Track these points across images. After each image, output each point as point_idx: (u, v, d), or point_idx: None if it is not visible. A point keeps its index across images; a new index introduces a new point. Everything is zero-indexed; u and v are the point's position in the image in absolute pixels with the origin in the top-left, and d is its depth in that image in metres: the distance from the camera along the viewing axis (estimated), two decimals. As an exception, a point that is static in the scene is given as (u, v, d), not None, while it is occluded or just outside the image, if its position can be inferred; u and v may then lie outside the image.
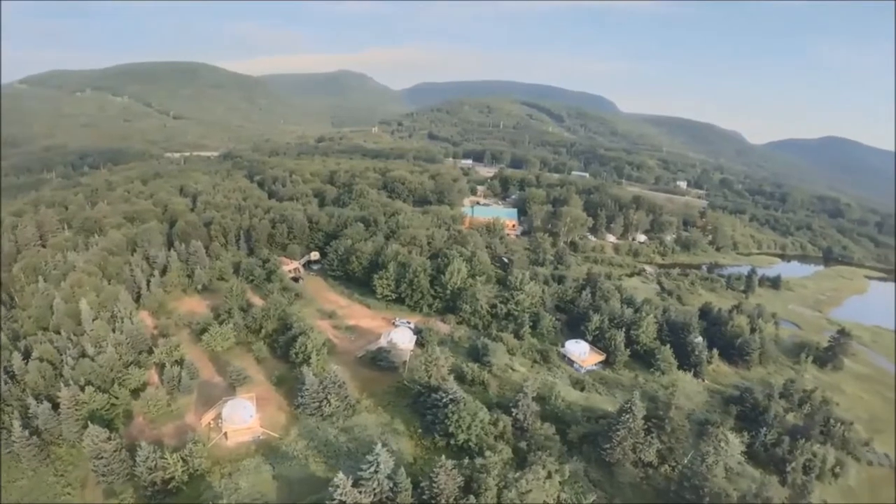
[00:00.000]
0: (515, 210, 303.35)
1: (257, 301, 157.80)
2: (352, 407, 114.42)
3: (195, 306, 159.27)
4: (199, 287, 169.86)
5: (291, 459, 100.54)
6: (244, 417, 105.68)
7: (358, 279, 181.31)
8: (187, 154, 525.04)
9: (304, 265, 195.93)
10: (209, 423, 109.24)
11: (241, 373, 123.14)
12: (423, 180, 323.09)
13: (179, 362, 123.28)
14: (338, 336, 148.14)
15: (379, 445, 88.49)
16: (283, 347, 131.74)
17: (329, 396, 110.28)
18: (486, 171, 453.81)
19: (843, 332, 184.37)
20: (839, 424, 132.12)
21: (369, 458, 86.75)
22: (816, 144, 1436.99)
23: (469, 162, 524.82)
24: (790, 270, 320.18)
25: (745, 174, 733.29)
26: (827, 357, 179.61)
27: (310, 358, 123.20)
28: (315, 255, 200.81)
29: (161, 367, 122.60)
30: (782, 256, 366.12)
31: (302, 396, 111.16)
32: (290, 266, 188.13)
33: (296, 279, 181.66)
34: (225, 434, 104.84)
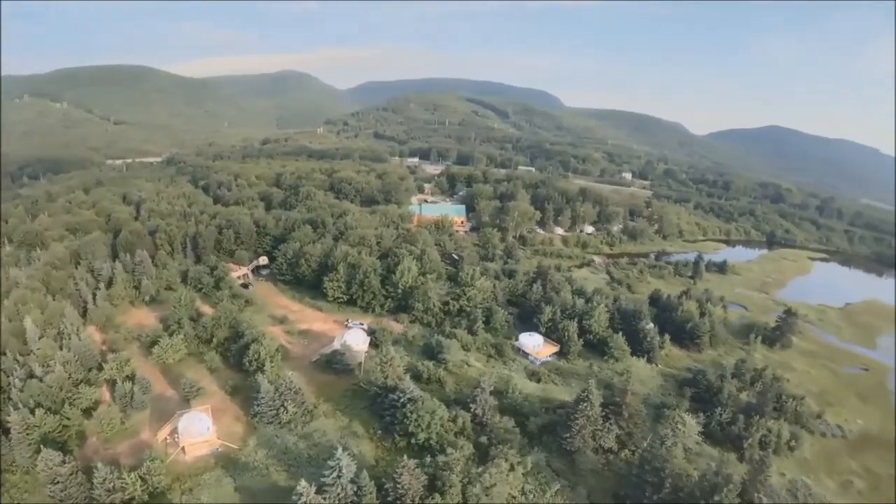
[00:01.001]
0: (463, 206, 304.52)
1: (207, 310, 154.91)
2: (309, 412, 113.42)
3: (144, 318, 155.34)
4: (147, 298, 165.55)
5: (252, 470, 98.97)
6: (201, 430, 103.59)
7: (308, 282, 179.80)
8: (130, 161, 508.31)
9: (252, 271, 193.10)
10: (165, 439, 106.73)
11: (195, 384, 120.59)
12: (370, 180, 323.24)
13: (131, 377, 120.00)
14: (291, 341, 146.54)
15: (340, 450, 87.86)
16: (236, 356, 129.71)
17: (285, 403, 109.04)
18: (432, 169, 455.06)
19: (789, 312, 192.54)
20: (791, 400, 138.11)
21: (331, 463, 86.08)
22: (757, 133, 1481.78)
23: (416, 160, 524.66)
24: (735, 255, 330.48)
25: (689, 164, 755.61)
26: (775, 336, 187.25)
27: (263, 365, 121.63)
28: (264, 260, 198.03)
29: (112, 383, 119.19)
30: (727, 242, 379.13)
31: (258, 405, 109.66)
32: (238, 272, 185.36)
33: (245, 285, 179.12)
34: (182, 449, 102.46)
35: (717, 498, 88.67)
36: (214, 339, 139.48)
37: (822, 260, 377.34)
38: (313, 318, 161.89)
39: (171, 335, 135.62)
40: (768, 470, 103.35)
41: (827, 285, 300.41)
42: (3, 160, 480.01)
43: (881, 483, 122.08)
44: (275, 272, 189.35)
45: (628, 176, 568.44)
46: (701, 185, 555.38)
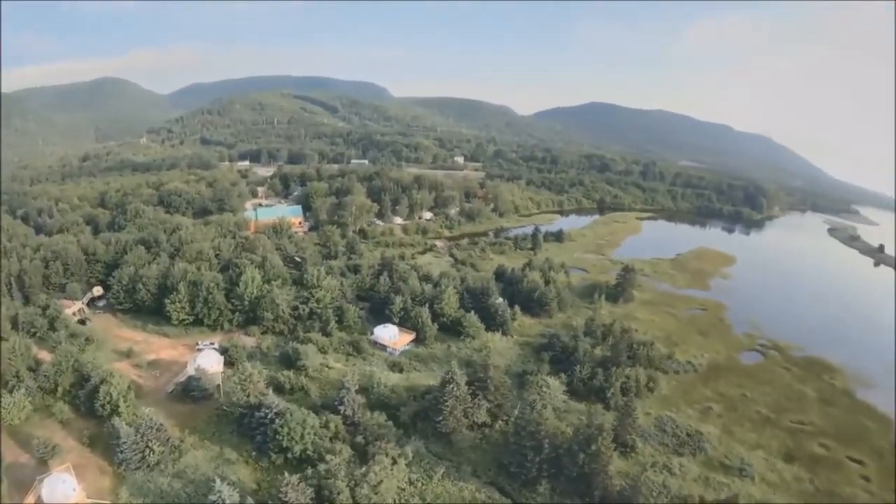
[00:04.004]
0: (299, 206, 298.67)
1: (45, 356, 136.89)
2: (177, 448, 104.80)
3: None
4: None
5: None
6: (66, 493, 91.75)
7: (149, 308, 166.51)
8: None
9: (87, 304, 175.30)
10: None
11: (49, 443, 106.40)
12: (200, 189, 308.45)
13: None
14: (141, 375, 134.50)
15: (218, 481, 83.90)
16: (86, 402, 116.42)
17: (149, 444, 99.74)
18: (264, 171, 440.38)
19: (626, 269, 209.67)
20: (641, 347, 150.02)
21: (212, 497, 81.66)
22: (580, 110, 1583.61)
23: (246, 163, 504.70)
24: (570, 223, 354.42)
25: (517, 143, 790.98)
26: (617, 293, 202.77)
27: (118, 407, 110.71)
28: (98, 291, 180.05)
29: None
30: (561, 212, 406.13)
31: (121, 451, 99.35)
32: (72, 308, 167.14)
33: (82, 321, 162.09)
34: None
35: (594, 447, 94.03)
36: (60, 388, 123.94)
37: (650, 219, 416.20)
38: (160, 346, 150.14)
39: (11, 392, 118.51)
40: (634, 413, 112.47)
41: (657, 241, 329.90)
42: None
43: (735, 403, 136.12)
44: (112, 302, 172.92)
45: (460, 160, 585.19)
46: (531, 163, 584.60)
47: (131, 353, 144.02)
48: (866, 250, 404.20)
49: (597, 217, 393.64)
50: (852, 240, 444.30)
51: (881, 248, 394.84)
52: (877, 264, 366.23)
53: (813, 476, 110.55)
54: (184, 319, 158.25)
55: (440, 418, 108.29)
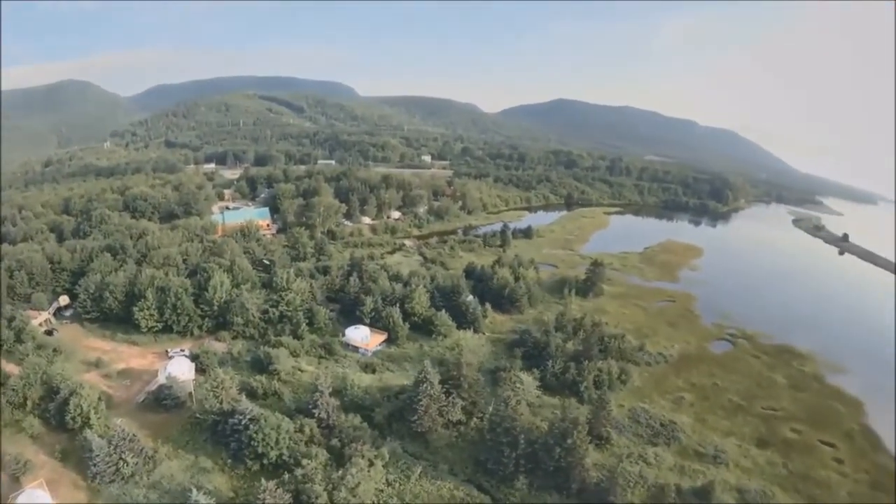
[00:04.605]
0: (267, 209, 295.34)
1: (13, 369, 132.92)
2: (151, 459, 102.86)
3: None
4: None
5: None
6: None
7: (117, 316, 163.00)
8: None
9: (54, 314, 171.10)
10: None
11: (20, 459, 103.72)
12: (166, 193, 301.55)
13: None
14: (111, 385, 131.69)
15: (194, 491, 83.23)
16: (56, 415, 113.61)
17: (123, 455, 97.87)
18: (230, 173, 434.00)
19: (595, 263, 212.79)
20: (612, 340, 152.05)
21: None
22: (546, 107, 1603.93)
23: (212, 166, 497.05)
24: (538, 220, 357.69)
25: (484, 141, 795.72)
26: (587, 287, 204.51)
27: (89, 419, 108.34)
28: (65, 300, 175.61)
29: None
30: (529, 209, 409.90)
31: (94, 465, 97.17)
32: (39, 318, 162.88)
33: (49, 332, 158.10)
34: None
35: (569, 441, 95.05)
36: (29, 402, 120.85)
37: (618, 213, 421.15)
38: (130, 355, 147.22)
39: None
40: (608, 405, 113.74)
41: (625, 235, 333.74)
42: None
43: (707, 392, 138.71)
44: (79, 311, 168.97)
45: (427, 158, 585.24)
46: (498, 160, 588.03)
47: (100, 363, 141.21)
48: (831, 239, 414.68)
49: (565, 213, 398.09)
50: (817, 230, 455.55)
51: (845, 237, 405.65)
52: (841, 253, 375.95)
53: (786, 460, 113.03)
54: (153, 327, 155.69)
55: (415, 418, 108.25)
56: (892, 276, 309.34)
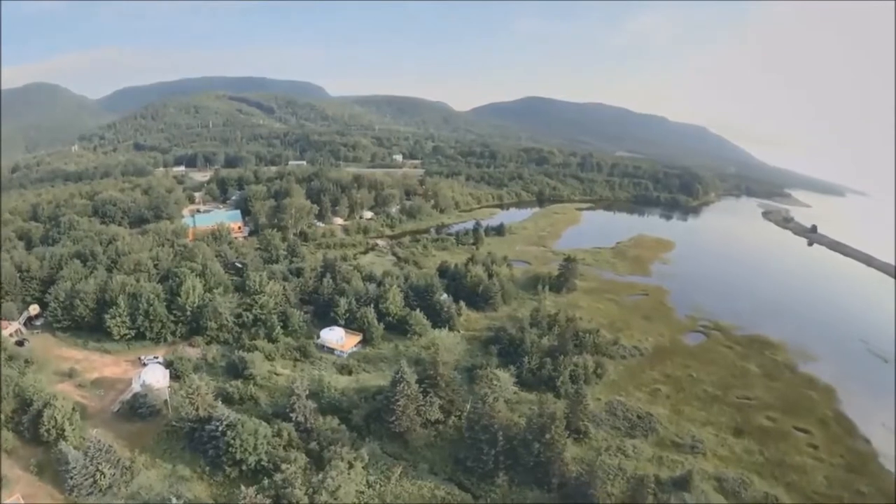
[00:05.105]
0: (238, 211, 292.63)
1: None
2: (128, 470, 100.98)
3: None
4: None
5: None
6: None
7: (89, 324, 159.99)
8: None
9: (24, 324, 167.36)
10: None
11: None
12: (136, 197, 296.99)
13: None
14: (85, 395, 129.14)
15: (173, 500, 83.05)
16: (31, 428, 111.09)
17: (100, 467, 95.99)
18: (201, 176, 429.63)
19: (568, 259, 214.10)
20: (587, 334, 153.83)
21: None
22: (516, 105, 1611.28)
23: (182, 168, 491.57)
24: (511, 217, 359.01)
25: (455, 139, 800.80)
26: (560, 283, 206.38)
27: (64, 431, 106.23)
28: (35, 309, 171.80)
29: None
30: (501, 206, 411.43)
31: (71, 477, 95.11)
32: (9, 329, 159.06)
33: (20, 343, 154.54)
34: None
35: (548, 436, 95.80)
36: (2, 415, 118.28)
37: (590, 209, 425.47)
38: (103, 364, 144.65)
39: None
40: (585, 399, 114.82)
41: (597, 230, 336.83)
42: None
43: (682, 383, 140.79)
44: (50, 320, 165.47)
45: (399, 158, 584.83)
46: (469, 158, 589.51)
47: (73, 373, 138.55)
48: (799, 231, 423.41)
49: (537, 210, 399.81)
50: (786, 221, 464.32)
51: (813, 228, 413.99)
52: (810, 244, 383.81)
53: (762, 448, 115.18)
54: (125, 334, 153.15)
55: (393, 418, 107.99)
56: (861, 265, 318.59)
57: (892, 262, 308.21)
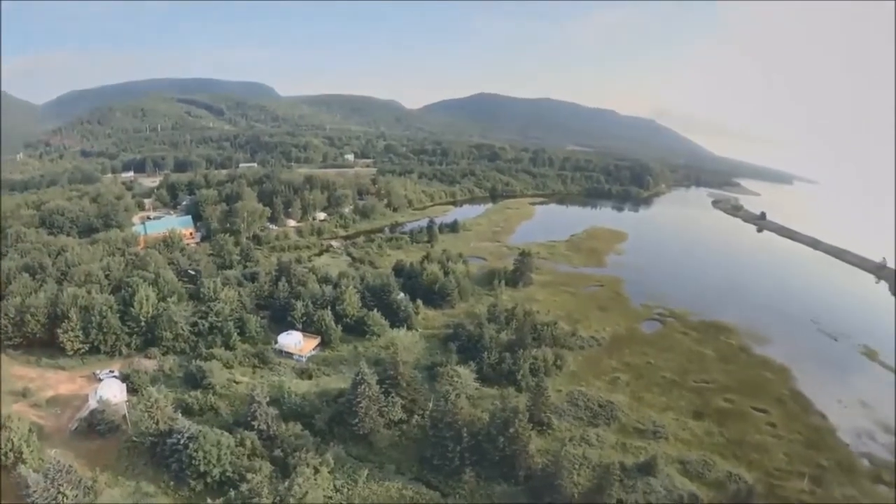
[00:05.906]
0: (189, 217, 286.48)
1: None
2: (91, 490, 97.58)
3: None
4: None
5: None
6: None
7: (41, 340, 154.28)
8: None
9: None
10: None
11: None
12: (84, 205, 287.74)
13: None
14: (41, 415, 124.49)
15: None
16: None
17: (61, 489, 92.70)
18: (150, 181, 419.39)
19: (523, 254, 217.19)
20: (545, 327, 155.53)
21: None
22: (467, 102, 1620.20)
23: (130, 174, 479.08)
24: (464, 213, 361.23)
25: (407, 137, 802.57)
26: (516, 277, 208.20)
27: (21, 453, 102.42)
28: None
29: None
30: (454, 203, 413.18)
31: (33, 502, 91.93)
32: None
33: None
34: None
35: (512, 430, 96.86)
36: None
37: (543, 203, 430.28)
38: (58, 381, 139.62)
39: None
40: (546, 391, 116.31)
41: (551, 224, 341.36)
42: None
43: (641, 371, 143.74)
44: (0, 338, 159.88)
45: (351, 157, 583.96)
46: (421, 156, 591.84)
47: (28, 392, 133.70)
48: (749, 218, 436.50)
49: (490, 205, 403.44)
50: (735, 210, 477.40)
51: (762, 215, 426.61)
52: (760, 230, 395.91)
53: (722, 429, 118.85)
54: (79, 349, 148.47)
55: (356, 421, 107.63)
56: (808, 248, 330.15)
57: (839, 246, 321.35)
